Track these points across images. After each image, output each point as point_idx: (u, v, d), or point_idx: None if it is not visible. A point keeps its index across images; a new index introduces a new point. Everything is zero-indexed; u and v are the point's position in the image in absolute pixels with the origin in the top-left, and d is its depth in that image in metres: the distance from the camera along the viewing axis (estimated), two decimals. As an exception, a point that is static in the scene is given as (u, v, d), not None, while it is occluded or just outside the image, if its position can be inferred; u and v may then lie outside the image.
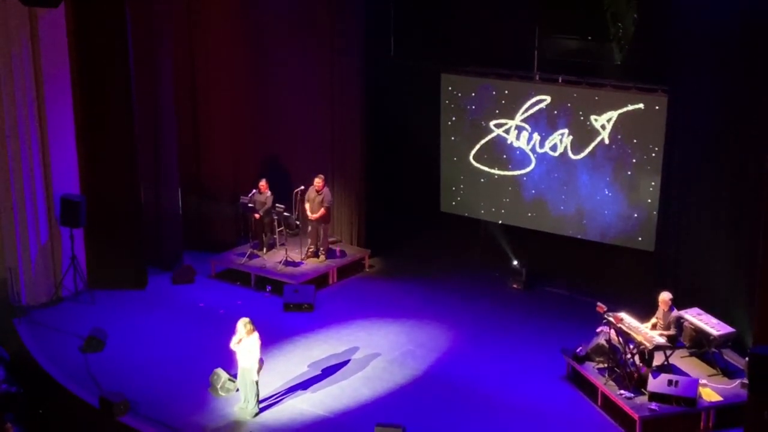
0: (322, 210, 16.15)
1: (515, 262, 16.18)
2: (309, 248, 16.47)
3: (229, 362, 12.30)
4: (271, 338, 13.83)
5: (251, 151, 17.56)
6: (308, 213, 16.21)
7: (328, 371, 13.25)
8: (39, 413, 12.58)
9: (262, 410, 12.18)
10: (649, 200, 14.92)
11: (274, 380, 12.90)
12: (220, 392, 12.62)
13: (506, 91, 16.15)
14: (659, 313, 12.70)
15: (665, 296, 12.62)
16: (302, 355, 13.68)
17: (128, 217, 15.58)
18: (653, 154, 14.75)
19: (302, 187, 16.26)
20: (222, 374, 12.64)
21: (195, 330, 14.46)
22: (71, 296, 15.41)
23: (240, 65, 17.06)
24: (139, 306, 15.32)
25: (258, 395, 12.12)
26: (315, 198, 16.16)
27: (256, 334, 11.88)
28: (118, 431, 11.98)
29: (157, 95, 16.03)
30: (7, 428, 11.31)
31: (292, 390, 12.76)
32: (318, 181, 16.13)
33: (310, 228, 16.42)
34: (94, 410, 12.26)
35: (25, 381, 13.12)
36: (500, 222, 16.64)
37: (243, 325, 11.83)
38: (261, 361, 12.01)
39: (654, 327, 12.61)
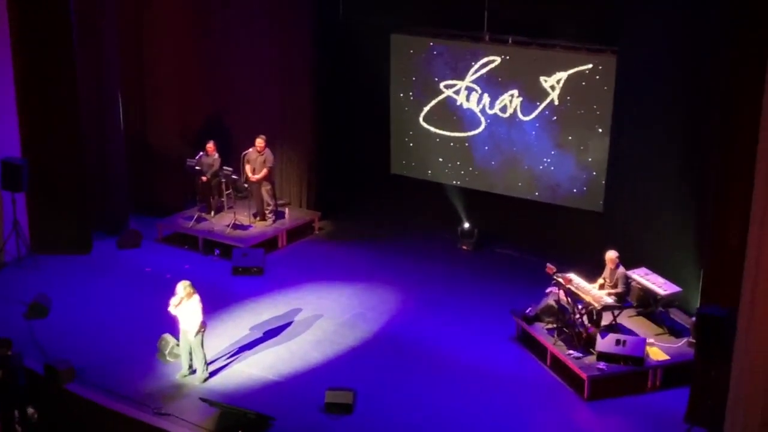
0: (265, 170, 15.95)
1: (465, 225, 16.17)
2: (255, 212, 16.29)
3: (176, 328, 12.12)
4: (220, 302, 13.71)
5: (198, 113, 17.29)
6: (249, 174, 16.01)
7: (278, 335, 13.16)
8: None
9: (210, 375, 12.05)
10: (599, 161, 14.96)
11: (222, 344, 12.78)
12: (167, 358, 12.47)
13: (456, 52, 16.02)
14: (606, 272, 12.77)
15: (612, 254, 12.68)
16: (251, 319, 13.56)
17: (71, 181, 15.26)
18: (602, 115, 14.75)
19: (250, 150, 16.05)
20: (170, 339, 12.48)
21: (141, 295, 14.25)
22: (14, 261, 15.09)
23: (186, 25, 16.73)
24: (84, 271, 15.06)
25: (205, 360, 11.97)
26: (257, 159, 15.97)
27: (196, 297, 11.71)
28: (64, 399, 11.79)
29: (102, 56, 15.66)
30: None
31: (240, 353, 12.65)
32: (259, 142, 15.92)
33: (253, 190, 16.22)
34: (39, 377, 12.04)
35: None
36: (450, 183, 16.59)
37: (183, 287, 11.65)
38: (204, 324, 11.84)
39: (602, 287, 12.69)
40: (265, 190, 16.19)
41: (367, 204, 17.41)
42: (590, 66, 14.79)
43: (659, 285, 12.72)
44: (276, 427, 11.11)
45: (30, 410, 11.02)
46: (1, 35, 14.55)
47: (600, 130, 14.87)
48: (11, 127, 14.95)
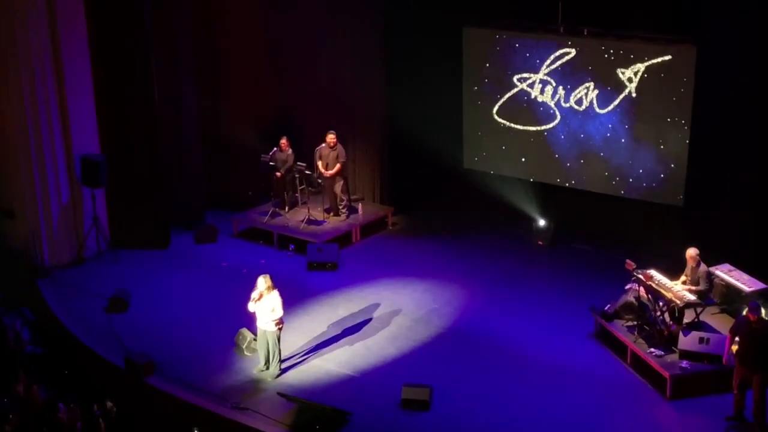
0: (338, 166, 15.97)
1: (541, 220, 15.98)
2: (326, 207, 16.31)
3: (253, 322, 12.18)
4: (295, 297, 13.76)
5: (271, 109, 17.38)
6: (322, 170, 16.03)
7: (354, 330, 13.17)
8: (64, 374, 12.58)
9: (285, 370, 12.12)
10: (678, 154, 14.62)
11: (298, 340, 12.84)
12: (245, 352, 12.56)
13: (530, 44, 15.82)
14: (687, 269, 12.48)
15: (692, 252, 12.36)
16: (326, 315, 13.59)
17: (149, 177, 15.49)
18: (682, 107, 14.41)
19: (323, 145, 16.08)
20: (247, 334, 12.58)
21: (218, 290, 14.40)
22: (94, 256, 15.37)
23: (260, 23, 16.84)
24: (162, 266, 15.28)
25: (280, 355, 12.03)
26: (329, 154, 15.99)
27: (276, 291, 11.75)
28: (144, 392, 11.96)
29: (177, 54, 15.86)
30: (33, 390, 11.31)
31: (316, 349, 12.69)
32: (331, 137, 15.94)
33: (326, 186, 16.25)
34: (120, 371, 12.24)
35: (49, 342, 13.14)
36: (525, 178, 16.40)
37: (263, 280, 11.69)
38: (281, 320, 11.89)
39: (683, 284, 12.40)
40: (338, 185, 16.21)
41: (440, 199, 17.29)
42: (669, 57, 14.44)
43: (743, 282, 12.40)
44: (353, 423, 11.11)
45: (109, 404, 11.18)
46: (79, 32, 14.81)
47: (680, 123, 14.53)
48: (90, 123, 15.22)
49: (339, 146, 16.02)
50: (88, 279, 14.76)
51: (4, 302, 13.52)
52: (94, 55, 15.02)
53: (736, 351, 10.65)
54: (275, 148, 16.24)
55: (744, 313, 10.86)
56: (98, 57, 15.04)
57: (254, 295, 11.74)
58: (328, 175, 16.07)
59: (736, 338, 10.78)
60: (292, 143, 16.31)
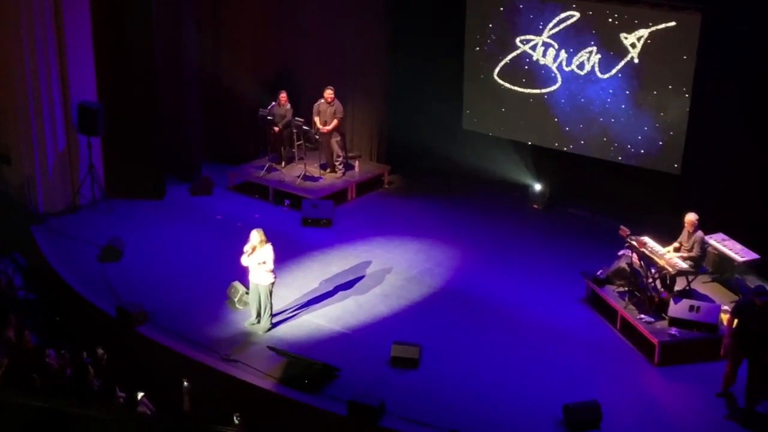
0: (335, 121, 15.89)
1: (537, 183, 15.95)
2: (323, 162, 16.26)
3: (245, 275, 12.20)
4: (289, 253, 13.75)
5: (272, 64, 17.25)
6: (319, 126, 15.97)
7: (346, 287, 13.19)
8: (56, 321, 12.63)
9: (276, 324, 12.15)
10: (678, 122, 14.56)
11: (290, 294, 12.86)
12: (237, 305, 12.59)
13: (534, 6, 15.67)
14: (683, 235, 12.43)
15: (691, 217, 12.26)
16: (319, 271, 13.61)
17: (147, 126, 15.41)
18: (684, 75, 14.32)
19: (321, 101, 16.00)
20: (239, 287, 12.59)
21: (212, 242, 14.40)
22: (89, 204, 15.33)
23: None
24: (157, 216, 15.27)
25: (271, 310, 12.06)
26: (327, 110, 15.92)
27: (269, 245, 11.74)
28: (135, 341, 12.01)
29: (178, 3, 15.66)
30: (25, 335, 11.35)
31: (308, 305, 12.72)
32: (329, 93, 15.85)
33: (322, 142, 16.19)
34: (112, 319, 12.27)
35: (42, 288, 13.17)
36: (523, 141, 16.34)
37: (257, 234, 11.68)
38: (274, 274, 11.89)
39: (676, 250, 12.39)
40: (335, 141, 16.15)
41: (437, 159, 17.20)
42: (673, 23, 14.33)
43: (736, 251, 12.42)
44: (342, 379, 11.17)
45: (99, 351, 11.23)
46: (78, -22, 14.68)
47: (681, 91, 14.44)
48: (88, 71, 15.10)
49: (337, 102, 15.94)
50: (82, 227, 14.74)
51: (-3, 247, 13.54)
52: (93, 2, 14.85)
53: (734, 332, 10.61)
54: (273, 103, 16.15)
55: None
56: (98, 3, 14.88)
57: (247, 248, 11.74)
58: (325, 131, 16.00)
59: (726, 307, 10.78)
60: (290, 98, 16.21)
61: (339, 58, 16.88)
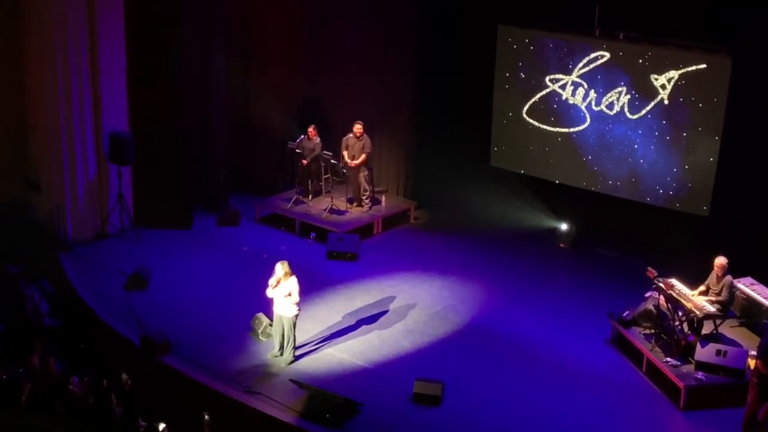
0: (363, 156, 15.96)
1: (564, 222, 15.89)
2: (350, 196, 16.30)
3: (270, 307, 12.22)
4: (313, 286, 13.77)
5: (301, 96, 17.37)
6: (347, 160, 16.04)
7: (369, 321, 13.17)
8: (81, 348, 12.68)
9: (299, 357, 12.14)
10: (707, 164, 14.48)
11: (314, 328, 12.85)
12: (261, 337, 12.60)
13: (564, 46, 15.72)
14: (711, 278, 12.32)
15: (721, 260, 12.17)
16: (343, 305, 13.60)
17: (176, 157, 15.53)
18: (714, 117, 14.27)
19: (350, 135, 16.08)
20: (263, 319, 12.61)
21: (238, 273, 14.44)
22: (117, 233, 15.45)
23: (293, 10, 16.82)
24: (184, 246, 15.34)
25: (294, 342, 12.05)
26: (355, 144, 15.98)
27: (294, 278, 11.76)
28: (159, 371, 12.03)
29: (210, 34, 15.88)
30: (50, 362, 11.41)
31: (331, 338, 12.70)
32: (358, 127, 15.93)
33: (350, 176, 16.25)
34: (136, 349, 12.32)
35: (68, 316, 13.25)
36: (551, 179, 16.32)
37: (282, 267, 11.71)
38: (298, 306, 11.90)
39: (703, 293, 12.28)
40: (363, 175, 16.20)
41: (464, 196, 17.23)
42: (704, 66, 14.30)
43: (765, 296, 12.28)
44: (364, 414, 11.12)
45: (124, 376, 11.27)
46: (114, 11, 14.86)
47: (710, 133, 14.38)
48: (120, 101, 15.29)
49: (365, 137, 16.01)
50: (110, 255, 14.84)
51: (25, 274, 13.64)
52: (128, 32, 15.07)
53: (758, 375, 10.46)
54: (303, 136, 16.25)
55: None
56: (132, 35, 15.09)
57: (272, 281, 11.77)
58: (353, 165, 16.07)
59: (754, 352, 10.65)
60: (319, 131, 16.31)
61: (368, 92, 16.97)
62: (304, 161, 16.22)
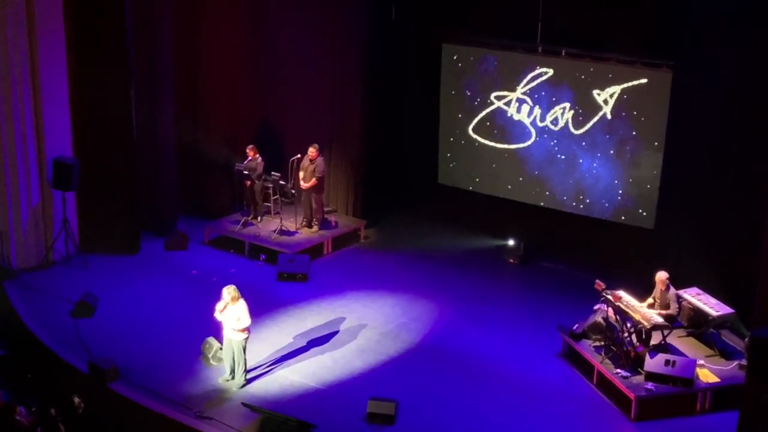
0: (314, 180, 15.94)
1: (512, 238, 16.00)
2: (303, 219, 16.27)
3: (220, 331, 12.10)
4: (264, 308, 13.68)
5: (250, 118, 17.33)
6: (301, 182, 16.01)
7: (321, 342, 13.11)
8: (27, 377, 12.43)
9: (250, 380, 12.03)
10: (651, 177, 14.72)
11: (265, 350, 12.76)
12: (211, 361, 12.46)
13: (508, 63, 15.89)
14: (656, 292, 12.55)
15: (662, 275, 12.46)
16: (295, 326, 13.52)
17: (122, 181, 15.36)
18: (656, 130, 14.51)
19: (298, 156, 16.05)
20: (214, 343, 12.48)
21: (187, 297, 14.29)
22: (62, 260, 15.21)
23: (240, 31, 16.79)
24: (132, 271, 15.15)
25: (245, 365, 11.94)
26: (308, 167, 15.96)
27: (242, 301, 11.68)
28: (108, 398, 11.83)
29: (155, 58, 15.74)
30: (-6, 392, 11.17)
31: (283, 360, 12.61)
32: (312, 151, 15.91)
33: (303, 197, 16.20)
34: (84, 376, 12.11)
35: (13, 344, 12.99)
36: (498, 195, 16.43)
37: (228, 291, 11.63)
38: (248, 330, 11.81)
39: (651, 306, 12.46)
40: (314, 198, 16.17)
41: (413, 213, 17.30)
42: (645, 80, 14.56)
43: (711, 306, 12.46)
44: (317, 436, 11.05)
45: (76, 400, 11.07)
46: (56, 34, 14.69)
47: (653, 146, 14.62)
48: (63, 126, 15.09)
49: (319, 159, 15.98)
50: (56, 283, 14.60)
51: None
52: (70, 56, 14.90)
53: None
54: (249, 157, 16.18)
55: None
56: (75, 58, 14.92)
57: (219, 305, 11.68)
58: (305, 187, 16.02)
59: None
60: (267, 153, 16.23)
61: (316, 113, 16.98)
62: (249, 182, 16.14)
